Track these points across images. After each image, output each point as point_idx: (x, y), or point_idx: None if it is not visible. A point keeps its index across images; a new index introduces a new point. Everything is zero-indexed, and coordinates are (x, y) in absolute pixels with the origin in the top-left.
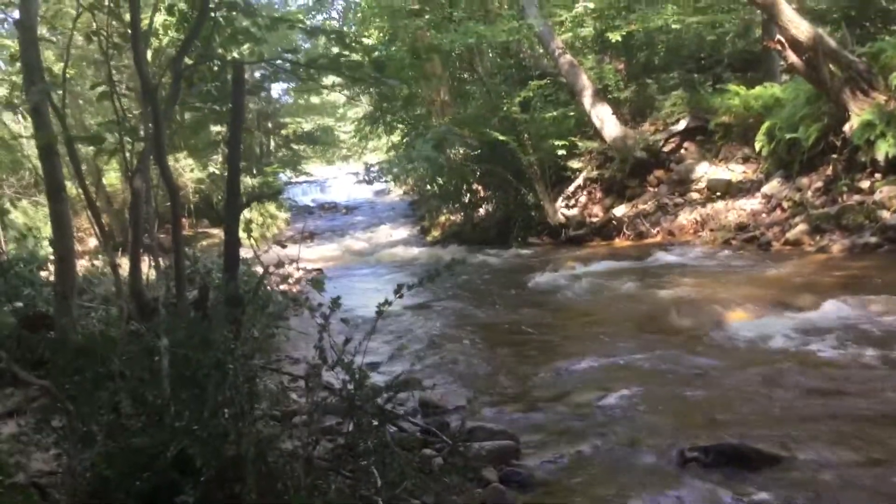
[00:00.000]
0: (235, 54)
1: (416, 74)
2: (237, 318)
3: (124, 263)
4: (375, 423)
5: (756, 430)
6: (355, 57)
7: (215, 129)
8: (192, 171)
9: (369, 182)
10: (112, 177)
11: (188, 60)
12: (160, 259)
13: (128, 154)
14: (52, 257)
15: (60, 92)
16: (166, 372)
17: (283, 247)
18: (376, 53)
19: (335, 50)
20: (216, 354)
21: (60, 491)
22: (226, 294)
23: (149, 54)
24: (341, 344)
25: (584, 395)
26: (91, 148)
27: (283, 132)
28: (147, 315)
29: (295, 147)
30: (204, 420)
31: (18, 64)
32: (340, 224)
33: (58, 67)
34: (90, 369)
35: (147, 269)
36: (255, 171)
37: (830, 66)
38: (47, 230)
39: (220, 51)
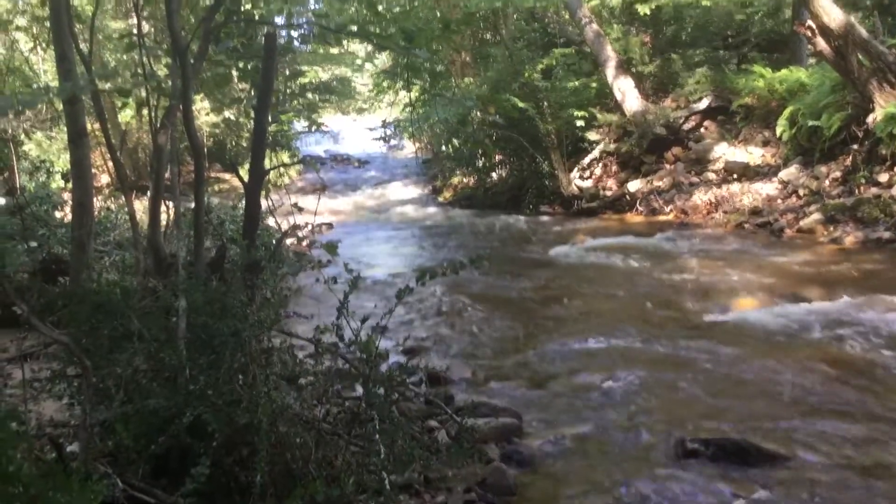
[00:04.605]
0: (263, 9)
1: (444, 42)
2: (254, 283)
3: (138, 207)
4: (384, 394)
5: (758, 424)
6: (382, 15)
7: (238, 85)
8: (207, 114)
9: (386, 141)
10: (126, 114)
11: (217, 17)
12: (179, 207)
13: (152, 107)
14: (66, 195)
15: (81, 28)
16: (183, 334)
17: (299, 210)
18: (398, 9)
19: (354, 8)
20: (234, 323)
21: (72, 443)
22: (245, 260)
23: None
24: (354, 314)
25: (588, 375)
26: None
27: (300, 81)
28: (163, 271)
29: (311, 96)
30: (219, 386)
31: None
32: (352, 177)
33: (81, 2)
34: (108, 326)
35: (165, 218)
36: (269, 118)
37: (859, 55)
38: (60, 163)
39: (248, 6)
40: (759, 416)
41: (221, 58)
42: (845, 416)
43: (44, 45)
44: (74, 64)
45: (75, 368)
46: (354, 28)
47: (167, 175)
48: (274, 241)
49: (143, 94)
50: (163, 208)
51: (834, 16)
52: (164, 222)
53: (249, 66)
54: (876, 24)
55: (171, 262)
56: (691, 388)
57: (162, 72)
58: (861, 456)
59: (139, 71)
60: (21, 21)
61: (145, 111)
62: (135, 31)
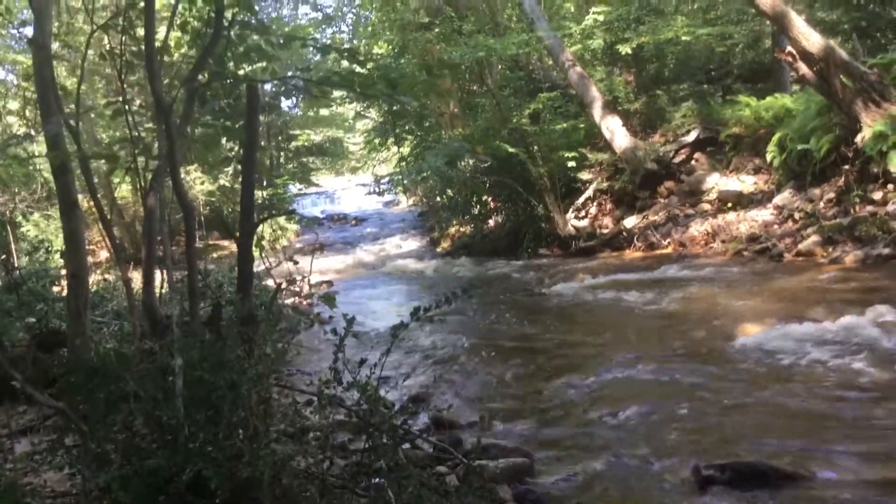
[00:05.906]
0: (248, 70)
1: (428, 90)
2: (251, 336)
3: (136, 277)
4: (389, 441)
5: (772, 447)
6: (367, 70)
7: (228, 144)
8: (202, 183)
9: (379, 193)
10: (124, 189)
11: (201, 78)
12: (173, 273)
13: (141, 171)
14: (64, 271)
15: (73, 106)
16: (180, 391)
17: (295, 263)
18: (385, 62)
19: (344, 63)
20: (231, 376)
21: None
22: (240, 314)
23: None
24: (354, 362)
25: (596, 410)
26: (104, 163)
27: (293, 144)
28: (159, 332)
29: (305, 159)
30: (219, 441)
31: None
32: (350, 235)
33: (70, 83)
34: (104, 390)
35: (160, 283)
36: (265, 183)
37: (842, 77)
38: (58, 242)
39: (231, 65)
40: (772, 439)
41: (208, 118)
42: (859, 433)
43: (37, 128)
44: (63, 134)
45: (73, 438)
46: (336, 79)
47: (159, 237)
48: (270, 298)
49: (131, 156)
50: (157, 272)
51: (813, 40)
52: (159, 285)
53: (237, 126)
54: (855, 46)
55: (166, 325)
56: (701, 416)
57: (150, 136)
58: (879, 471)
59: (126, 136)
60: (13, 105)
61: (136, 177)
62: (119, 102)
